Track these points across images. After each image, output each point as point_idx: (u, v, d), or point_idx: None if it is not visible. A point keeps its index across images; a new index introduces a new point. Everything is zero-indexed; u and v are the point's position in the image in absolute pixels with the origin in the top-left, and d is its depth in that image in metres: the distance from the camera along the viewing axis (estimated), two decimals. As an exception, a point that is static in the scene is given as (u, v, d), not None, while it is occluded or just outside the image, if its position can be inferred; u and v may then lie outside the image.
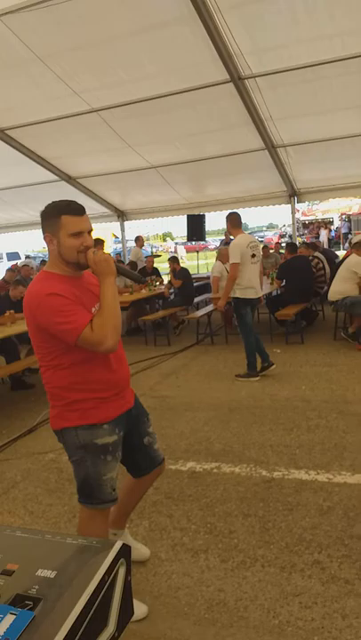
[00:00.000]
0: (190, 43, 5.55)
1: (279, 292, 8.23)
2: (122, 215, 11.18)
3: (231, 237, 5.73)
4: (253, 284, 5.47)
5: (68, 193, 9.74)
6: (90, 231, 2.05)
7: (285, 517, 2.87)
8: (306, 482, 3.25)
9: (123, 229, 11.57)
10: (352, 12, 5.14)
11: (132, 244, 11.32)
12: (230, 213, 5.62)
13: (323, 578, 2.38)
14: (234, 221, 5.51)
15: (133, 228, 16.12)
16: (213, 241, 31.21)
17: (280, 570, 2.46)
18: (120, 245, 13.20)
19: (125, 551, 1.17)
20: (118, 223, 11.41)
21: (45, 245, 2.11)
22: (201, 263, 17.74)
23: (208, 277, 10.07)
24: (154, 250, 26.24)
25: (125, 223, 11.41)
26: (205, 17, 5.11)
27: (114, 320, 1.97)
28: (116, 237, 17.03)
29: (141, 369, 6.27)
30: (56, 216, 1.99)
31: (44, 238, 2.05)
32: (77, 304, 1.96)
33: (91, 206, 10.65)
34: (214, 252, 16.94)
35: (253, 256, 5.43)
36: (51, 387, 2.09)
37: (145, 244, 13.62)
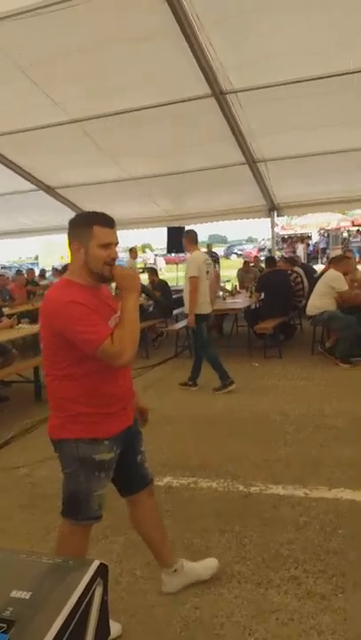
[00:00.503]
0: (172, 57, 5.59)
1: (258, 305, 8.28)
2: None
3: (188, 253, 5.96)
4: (207, 300, 5.69)
5: (46, 203, 9.70)
6: (116, 244, 2.06)
7: (262, 533, 2.86)
8: (283, 497, 3.24)
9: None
10: (333, 31, 5.26)
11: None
12: (188, 231, 5.98)
13: (299, 593, 2.37)
14: (192, 239, 5.83)
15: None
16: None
17: (256, 586, 2.44)
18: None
19: (103, 570, 1.15)
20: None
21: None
22: (180, 275, 17.75)
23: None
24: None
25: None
26: (188, 32, 5.15)
27: (134, 335, 1.98)
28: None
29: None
30: (88, 225, 2.00)
31: (71, 246, 2.05)
32: (97, 314, 1.96)
33: (68, 216, 10.56)
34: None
35: (207, 272, 5.71)
36: (57, 397, 2.07)
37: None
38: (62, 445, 2.06)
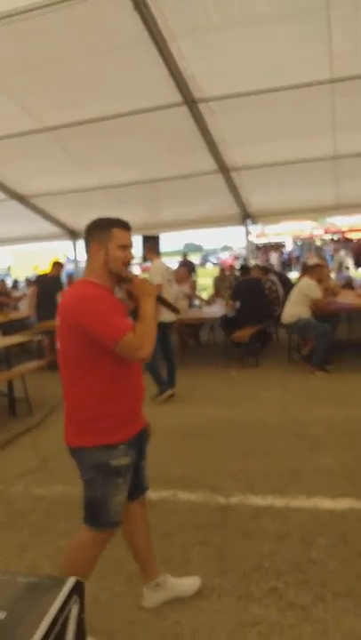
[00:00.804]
0: (144, 65, 5.59)
1: (234, 313, 8.30)
2: (74, 235, 11.08)
3: (150, 262, 6.07)
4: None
5: (18, 212, 9.58)
6: (132, 246, 2.20)
7: (242, 545, 2.84)
8: (263, 508, 3.23)
9: (75, 249, 11.46)
10: (307, 42, 5.34)
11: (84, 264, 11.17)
12: (150, 240, 6.02)
13: (280, 605, 2.35)
14: (154, 248, 6.08)
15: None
16: (169, 261, 31.34)
17: (237, 599, 2.42)
18: (73, 266, 13.05)
19: (79, 588, 1.12)
20: (70, 243, 11.29)
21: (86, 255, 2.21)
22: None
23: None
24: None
25: (77, 243, 11.29)
26: (159, 41, 5.18)
27: (152, 331, 2.08)
28: (68, 258, 16.86)
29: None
30: (108, 228, 2.13)
31: (90, 249, 2.16)
32: (120, 311, 2.08)
33: (41, 226, 10.50)
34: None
35: (169, 281, 5.90)
36: (76, 400, 2.09)
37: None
38: (79, 453, 2.08)
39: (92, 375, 2.03)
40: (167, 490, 3.53)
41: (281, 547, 2.79)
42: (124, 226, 2.16)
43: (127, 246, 2.14)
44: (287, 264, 23.08)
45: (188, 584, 2.48)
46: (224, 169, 8.19)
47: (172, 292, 6.07)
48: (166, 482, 3.65)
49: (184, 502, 3.37)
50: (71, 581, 1.11)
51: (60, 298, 6.60)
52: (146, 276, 5.53)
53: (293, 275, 14.28)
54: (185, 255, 16.66)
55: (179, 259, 17.54)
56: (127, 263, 2.14)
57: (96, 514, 2.08)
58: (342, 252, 20.54)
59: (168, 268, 6.22)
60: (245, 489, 3.48)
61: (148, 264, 6.34)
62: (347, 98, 6.24)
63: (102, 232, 2.13)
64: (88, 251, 2.17)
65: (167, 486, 3.59)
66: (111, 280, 2.13)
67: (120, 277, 2.14)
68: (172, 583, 2.43)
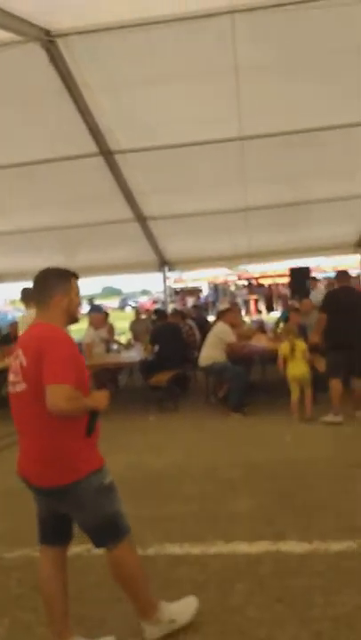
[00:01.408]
0: (61, 114, 5.68)
1: (152, 357, 8.30)
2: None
3: (24, 311, 6.08)
4: None
5: None
6: None
7: (160, 597, 2.73)
8: (180, 556, 3.17)
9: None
10: (218, 100, 5.67)
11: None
12: (24, 289, 5.93)
13: (199, 661, 2.28)
14: (28, 296, 5.81)
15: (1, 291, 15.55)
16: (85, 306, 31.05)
17: (154, 658, 2.31)
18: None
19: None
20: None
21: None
22: (73, 328, 17.42)
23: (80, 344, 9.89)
24: (18, 314, 25.36)
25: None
26: (75, 93, 5.31)
27: (80, 409, 2.17)
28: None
29: (7, 445, 5.83)
30: (68, 278, 2.39)
31: (53, 297, 2.33)
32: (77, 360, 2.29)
33: None
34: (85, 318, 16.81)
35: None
36: (56, 441, 2.16)
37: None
38: (74, 488, 2.18)
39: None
40: (80, 544, 3.34)
41: (199, 596, 2.72)
42: (77, 275, 2.44)
43: (78, 293, 2.44)
44: (204, 308, 23.63)
45: None
46: (141, 218, 8.38)
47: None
48: (79, 535, 3.48)
49: (99, 557, 3.19)
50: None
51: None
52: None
53: (210, 318, 14.59)
54: (91, 300, 16.66)
55: (95, 302, 17.44)
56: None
57: (116, 530, 2.27)
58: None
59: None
60: (162, 538, 3.41)
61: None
62: (254, 154, 6.66)
63: (65, 282, 2.36)
64: (49, 299, 2.33)
65: (80, 540, 3.40)
66: (68, 323, 2.39)
67: (76, 320, 2.43)
68: None
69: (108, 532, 2.27)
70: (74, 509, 2.26)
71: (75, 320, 2.43)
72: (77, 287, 2.43)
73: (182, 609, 2.49)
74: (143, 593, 2.38)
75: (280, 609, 2.59)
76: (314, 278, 12.11)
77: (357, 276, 10.82)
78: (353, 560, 2.98)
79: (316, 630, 2.42)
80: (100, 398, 2.28)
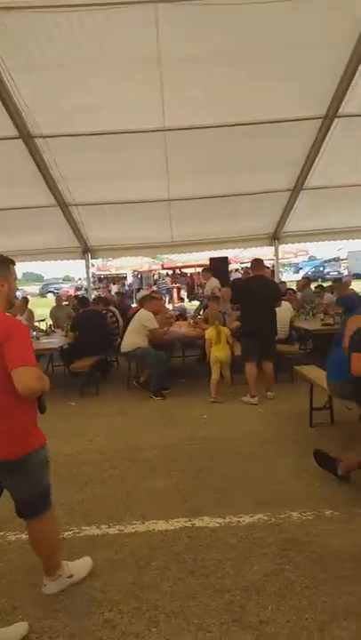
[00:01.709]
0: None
1: (73, 344, 8.18)
2: None
3: None
4: None
5: None
6: None
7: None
8: (97, 537, 3.19)
9: None
10: (142, 91, 5.64)
11: None
12: None
13: (114, 637, 2.32)
14: None
15: None
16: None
17: (70, 638, 2.33)
18: None
19: None
20: None
21: None
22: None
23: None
24: None
25: None
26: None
27: (37, 389, 2.33)
28: None
29: None
30: (7, 264, 2.48)
31: None
32: None
33: None
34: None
35: None
36: (14, 419, 2.34)
37: None
38: (29, 459, 2.39)
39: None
40: (-4, 532, 3.30)
41: (115, 575, 2.77)
42: (14, 262, 2.54)
43: (16, 279, 2.59)
44: (128, 296, 23.59)
45: (13, 631, 2.34)
46: (62, 204, 8.20)
47: None
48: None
49: (14, 543, 3.17)
50: None
51: None
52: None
53: (133, 306, 14.55)
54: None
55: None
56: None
57: (48, 500, 2.54)
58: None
59: None
60: (80, 520, 3.41)
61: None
62: (176, 146, 6.71)
63: (5, 269, 2.45)
64: None
65: (-4, 528, 3.35)
66: (6, 308, 2.45)
67: (12, 306, 2.53)
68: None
69: (44, 502, 2.52)
70: (22, 480, 2.41)
71: (12, 306, 2.54)
72: (15, 273, 2.56)
73: (79, 565, 2.78)
74: (57, 555, 2.66)
75: (193, 582, 2.68)
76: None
77: (272, 267, 11.25)
78: (263, 531, 3.13)
79: (228, 599, 2.53)
80: (46, 379, 2.43)
